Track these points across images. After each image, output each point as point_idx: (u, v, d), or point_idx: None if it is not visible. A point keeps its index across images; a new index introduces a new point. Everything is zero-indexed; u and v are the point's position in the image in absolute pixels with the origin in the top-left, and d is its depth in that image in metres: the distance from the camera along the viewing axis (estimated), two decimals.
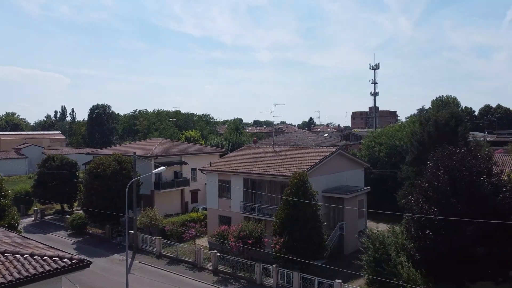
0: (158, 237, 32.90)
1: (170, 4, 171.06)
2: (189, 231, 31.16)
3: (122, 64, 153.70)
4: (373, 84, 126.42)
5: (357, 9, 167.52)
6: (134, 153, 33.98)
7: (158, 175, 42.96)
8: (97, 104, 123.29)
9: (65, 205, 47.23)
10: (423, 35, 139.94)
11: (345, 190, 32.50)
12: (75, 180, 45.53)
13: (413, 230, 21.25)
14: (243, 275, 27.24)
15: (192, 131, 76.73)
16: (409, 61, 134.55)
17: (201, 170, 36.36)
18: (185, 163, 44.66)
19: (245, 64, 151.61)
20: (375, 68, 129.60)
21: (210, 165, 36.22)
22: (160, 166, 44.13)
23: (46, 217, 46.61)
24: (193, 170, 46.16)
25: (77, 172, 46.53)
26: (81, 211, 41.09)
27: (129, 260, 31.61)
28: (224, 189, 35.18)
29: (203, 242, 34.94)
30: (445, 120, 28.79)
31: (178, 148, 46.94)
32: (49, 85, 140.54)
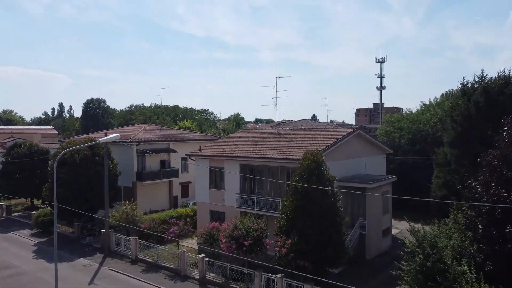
0: (134, 238, 26.50)
1: (173, 5, 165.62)
2: (170, 230, 24.73)
3: (124, 64, 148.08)
4: (379, 78, 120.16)
5: (360, 9, 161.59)
6: (105, 133, 27.54)
7: (142, 164, 36.67)
8: (92, 98, 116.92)
9: (39, 201, 40.93)
10: (427, 35, 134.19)
11: (367, 179, 26.04)
12: (47, 171, 39.13)
13: (480, 227, 14.78)
14: (238, 287, 20.79)
15: (187, 121, 70.30)
16: (412, 61, 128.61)
17: (189, 156, 29.93)
18: (174, 151, 38.26)
19: (248, 64, 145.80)
20: (381, 61, 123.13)
21: (200, 150, 29.81)
22: (145, 154, 37.96)
23: (14, 214, 40.39)
24: (184, 160, 39.76)
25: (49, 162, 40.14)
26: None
27: (97, 266, 25.28)
28: (216, 179, 28.77)
29: (191, 243, 28.56)
30: (498, 87, 22.32)
31: (166, 134, 40.54)
32: (50, 85, 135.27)
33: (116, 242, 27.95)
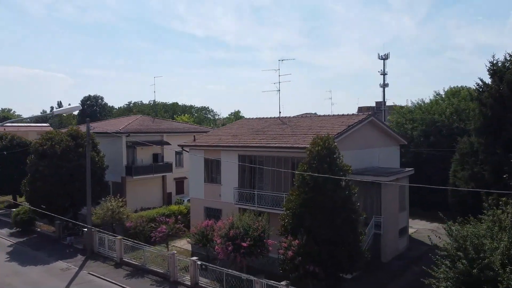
0: (119, 237, 23.47)
1: (174, 4, 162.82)
2: (158, 229, 21.69)
3: (125, 64, 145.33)
4: (381, 76, 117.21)
5: (361, 8, 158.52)
6: (88, 119, 24.51)
7: (132, 157, 33.66)
8: (89, 95, 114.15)
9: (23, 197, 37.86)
10: (428, 34, 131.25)
11: (382, 172, 23.01)
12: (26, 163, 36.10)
13: None
14: None
15: (185, 115, 67.25)
16: (412, 61, 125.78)
17: (182, 146, 26.88)
18: (167, 143, 35.24)
19: (248, 64, 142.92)
20: (385, 58, 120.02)
21: (194, 139, 26.78)
22: (136, 147, 34.89)
23: None
24: (179, 153, 36.76)
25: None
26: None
27: (76, 269, 22.29)
28: (212, 172, 25.75)
29: (184, 244, 25.55)
30: None
31: (159, 126, 37.51)
32: (51, 85, 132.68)
33: (99, 243, 24.93)
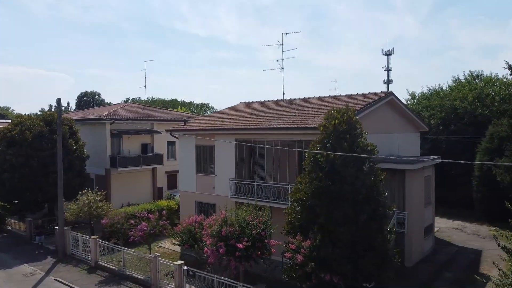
0: (94, 237, 19.87)
1: (176, 4, 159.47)
2: (138, 227, 18.08)
3: (127, 64, 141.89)
4: (386, 71, 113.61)
5: (363, 8, 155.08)
6: (59, 99, 20.92)
7: (118, 147, 30.10)
8: (86, 91, 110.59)
9: None
10: (430, 34, 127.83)
11: (405, 159, 19.39)
12: None
13: None
14: None
15: (181, 108, 63.67)
16: (415, 61, 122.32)
17: (170, 132, 23.27)
18: (157, 132, 31.66)
19: (250, 63, 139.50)
20: (389, 54, 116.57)
21: (185, 124, 23.20)
22: (122, 136, 31.30)
23: None
24: (171, 144, 33.22)
25: None
26: None
27: (41, 274, 18.73)
28: (205, 161, 22.17)
29: (172, 245, 21.90)
30: None
31: (149, 114, 33.91)
32: (53, 85, 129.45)
33: (72, 243, 21.36)
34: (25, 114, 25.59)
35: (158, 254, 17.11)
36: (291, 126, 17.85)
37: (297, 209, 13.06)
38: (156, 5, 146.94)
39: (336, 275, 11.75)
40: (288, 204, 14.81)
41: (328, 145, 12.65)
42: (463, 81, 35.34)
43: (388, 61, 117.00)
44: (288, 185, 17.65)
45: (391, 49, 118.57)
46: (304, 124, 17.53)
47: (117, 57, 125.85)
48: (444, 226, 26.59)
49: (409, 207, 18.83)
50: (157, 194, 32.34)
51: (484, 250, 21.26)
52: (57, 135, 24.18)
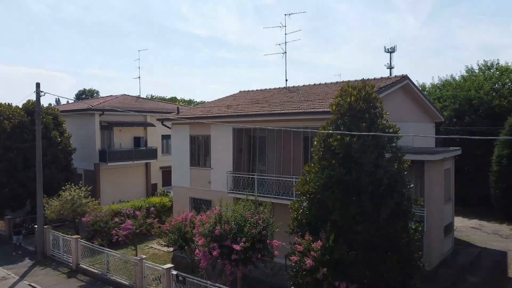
0: (75, 237, 17.79)
1: (177, 4, 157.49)
2: (122, 225, 15.98)
3: (128, 64, 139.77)
4: (388, 69, 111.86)
5: (364, 8, 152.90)
6: (38, 83, 18.82)
7: (109, 140, 28.07)
8: (84, 89, 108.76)
9: None
10: (431, 34, 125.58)
11: (425, 149, 17.34)
12: None
13: None
14: None
15: (180, 102, 61.62)
16: (416, 61, 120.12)
17: (162, 120, 21.19)
18: (151, 125, 29.61)
19: (250, 63, 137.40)
20: (391, 51, 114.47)
21: (178, 112, 21.14)
22: (113, 128, 29.20)
23: None
24: (166, 138, 31.13)
25: None
26: None
27: (15, 279, 16.69)
28: (200, 153, 20.13)
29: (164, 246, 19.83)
30: None
31: (142, 105, 31.84)
32: (53, 85, 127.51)
33: (54, 244, 19.29)
34: (5, 103, 23.51)
35: (144, 256, 15.01)
36: (296, 111, 15.76)
37: (304, 203, 10.99)
38: (157, 5, 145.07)
39: (352, 283, 9.67)
40: (295, 197, 12.73)
41: (342, 128, 10.59)
42: (477, 71, 33.21)
43: (390, 58, 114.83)
44: (292, 178, 15.60)
45: (394, 47, 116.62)
46: (311, 108, 15.45)
47: (117, 57, 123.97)
48: (461, 225, 24.49)
49: (428, 203, 16.68)
50: (151, 191, 30.28)
51: (509, 252, 19.18)
52: (36, 123, 22.24)
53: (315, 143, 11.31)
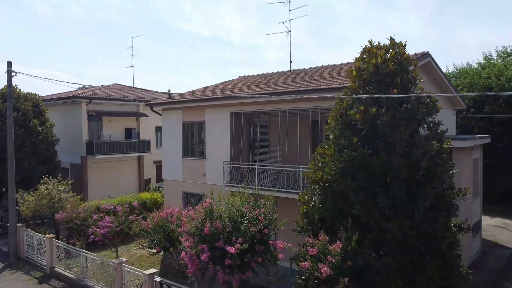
0: (49, 236, 15.53)
1: (180, 4, 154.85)
2: (100, 223, 13.70)
3: (129, 63, 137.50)
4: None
5: (367, 7, 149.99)
6: (9, 62, 16.55)
7: (97, 131, 25.85)
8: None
9: None
10: (433, 33, 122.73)
11: (452, 135, 15.02)
12: None
13: None
14: None
15: None
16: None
17: (151, 106, 18.92)
18: (144, 115, 27.37)
19: (253, 63, 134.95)
20: None
21: (169, 97, 18.87)
22: (102, 119, 26.89)
23: None
24: (160, 130, 28.78)
25: None
26: None
27: None
28: (193, 141, 17.85)
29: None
30: None
31: (136, 95, 29.58)
32: (55, 85, 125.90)
33: (29, 244, 17.04)
34: None
35: (124, 259, 12.73)
36: (304, 88, 13.43)
37: (317, 195, 8.68)
38: (159, 5, 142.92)
39: None
40: (304, 190, 10.44)
41: (361, 86, 8.29)
42: (495, 58, 30.78)
43: None
44: (299, 167, 13.30)
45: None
46: (321, 86, 13.13)
47: (119, 57, 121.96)
48: (484, 224, 22.09)
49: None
50: (144, 186, 28.03)
51: None
52: (19, 113, 20.10)
53: (329, 120, 9.00)
